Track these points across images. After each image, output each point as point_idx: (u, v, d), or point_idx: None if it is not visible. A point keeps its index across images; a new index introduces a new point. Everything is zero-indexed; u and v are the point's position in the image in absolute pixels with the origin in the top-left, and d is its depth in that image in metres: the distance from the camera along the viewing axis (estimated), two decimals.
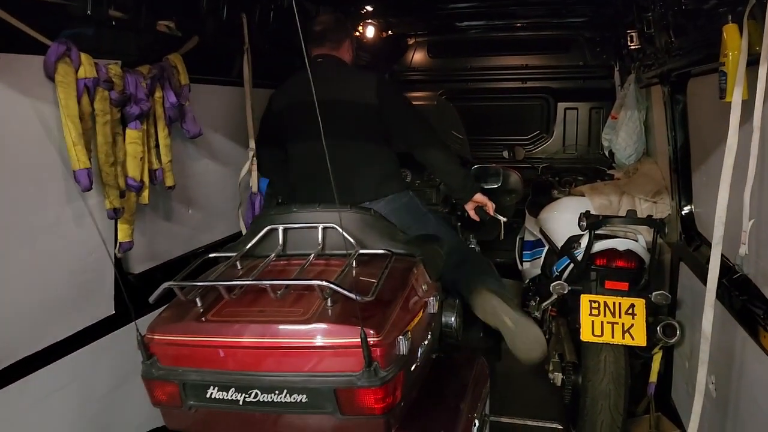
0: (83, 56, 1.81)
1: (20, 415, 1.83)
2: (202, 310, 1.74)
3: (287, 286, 1.73)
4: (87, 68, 1.82)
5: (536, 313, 3.54)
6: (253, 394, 1.64)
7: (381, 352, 1.57)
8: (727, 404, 2.41)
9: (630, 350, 2.92)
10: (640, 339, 2.78)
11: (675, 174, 3.28)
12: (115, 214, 2.02)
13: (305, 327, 1.61)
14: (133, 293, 2.29)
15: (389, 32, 4.83)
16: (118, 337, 2.23)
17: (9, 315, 1.77)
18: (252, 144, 2.93)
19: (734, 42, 1.80)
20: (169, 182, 2.28)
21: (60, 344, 1.97)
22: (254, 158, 2.94)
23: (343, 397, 1.59)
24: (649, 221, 2.85)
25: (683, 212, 3.16)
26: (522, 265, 4.27)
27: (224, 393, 1.66)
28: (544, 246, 3.95)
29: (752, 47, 1.78)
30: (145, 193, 2.15)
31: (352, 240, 1.95)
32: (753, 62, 1.83)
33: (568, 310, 3.34)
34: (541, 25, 4.71)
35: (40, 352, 1.88)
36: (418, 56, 5.32)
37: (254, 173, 2.96)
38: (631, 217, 2.90)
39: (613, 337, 2.79)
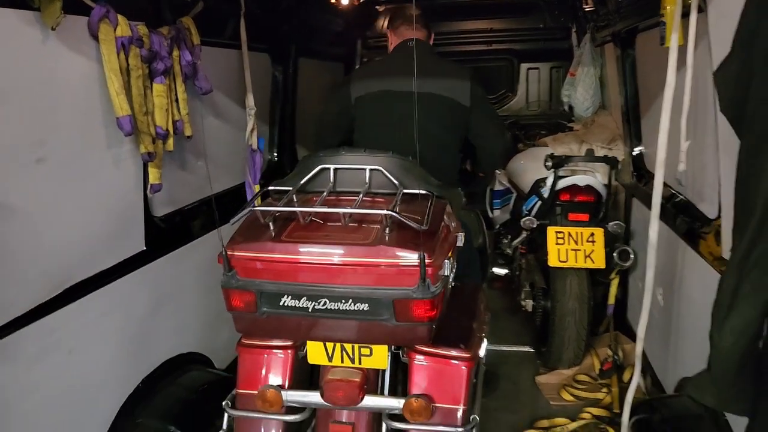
0: (120, 17, 2.08)
1: (81, 330, 2.12)
2: (275, 232, 2.01)
3: (352, 214, 2.02)
4: (123, 28, 2.09)
5: (508, 251, 3.96)
6: (322, 303, 1.92)
7: (432, 272, 1.86)
8: (671, 310, 2.84)
9: (591, 274, 3.35)
10: (599, 262, 3.21)
11: (627, 121, 3.70)
12: (149, 158, 2.30)
13: (371, 248, 1.91)
14: (158, 233, 2.60)
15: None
16: (150, 270, 2.52)
17: (66, 244, 2.05)
18: (251, 103, 3.19)
19: None
20: (187, 132, 2.56)
21: (104, 273, 2.25)
22: (254, 117, 3.21)
23: (399, 306, 1.89)
24: (604, 158, 3.26)
25: (634, 153, 3.59)
26: (492, 212, 4.68)
27: (296, 301, 1.93)
28: (513, 193, 4.36)
29: (685, 1, 2.15)
30: (170, 141, 2.43)
31: (395, 181, 2.22)
32: (686, 14, 2.21)
33: (536, 246, 3.75)
34: None
35: (90, 278, 2.17)
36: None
37: (254, 132, 3.24)
38: (590, 156, 3.30)
39: (576, 261, 3.21)
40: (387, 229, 1.96)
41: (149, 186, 2.41)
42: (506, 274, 4.13)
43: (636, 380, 2.41)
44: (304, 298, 1.93)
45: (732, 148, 1.48)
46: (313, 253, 1.95)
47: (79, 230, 2.12)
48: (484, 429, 2.41)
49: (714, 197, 2.29)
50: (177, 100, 2.49)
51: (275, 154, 3.96)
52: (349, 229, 2.05)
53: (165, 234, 2.66)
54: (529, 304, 3.65)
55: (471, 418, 2.15)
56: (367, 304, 1.90)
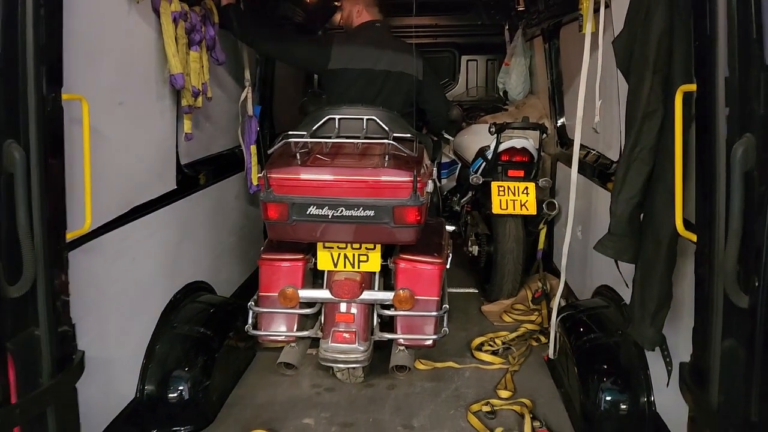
0: None
1: (138, 244, 2.66)
2: (300, 159, 2.67)
3: (360, 145, 2.76)
4: (175, 4, 2.67)
5: (457, 208, 4.72)
6: (339, 210, 2.60)
7: (420, 186, 2.60)
8: (588, 241, 3.64)
9: (525, 222, 4.13)
10: (532, 209, 3.99)
11: (552, 100, 4.53)
12: (189, 110, 2.88)
13: (376, 170, 2.64)
14: (182, 177, 3.15)
15: None
16: (178, 206, 3.08)
17: (132, 172, 2.60)
18: (248, 75, 3.77)
19: None
20: (209, 94, 3.13)
21: (151, 202, 2.78)
22: (249, 88, 3.78)
23: (397, 212, 2.61)
24: (536, 125, 4.07)
25: (558, 124, 4.42)
26: (440, 181, 5.42)
27: (320, 210, 2.61)
28: (458, 164, 5.12)
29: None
30: (200, 99, 3.00)
31: (386, 128, 2.93)
32: (597, 9, 3.00)
33: (480, 204, 4.52)
34: None
35: (144, 204, 2.71)
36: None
37: (249, 100, 3.81)
38: (525, 122, 4.09)
39: (514, 209, 3.98)
40: (386, 157, 2.68)
41: (184, 134, 2.98)
42: (454, 230, 4.88)
43: (562, 282, 3.20)
44: (326, 207, 2.63)
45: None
46: (332, 174, 2.68)
47: (139, 163, 2.68)
48: (441, 343, 3.16)
49: (617, 145, 3.09)
50: (202, 67, 3.07)
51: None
52: (357, 158, 2.79)
53: (188, 178, 3.22)
54: (475, 249, 4.40)
55: (443, 306, 2.92)
56: (373, 211, 2.62)
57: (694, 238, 1.81)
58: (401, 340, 2.92)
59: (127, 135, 2.54)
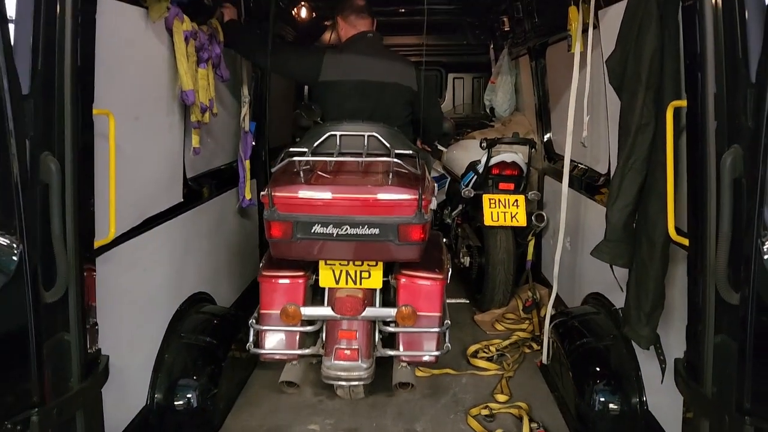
0: (185, 17, 2.77)
1: (150, 255, 2.74)
2: (304, 177, 2.68)
3: (363, 163, 2.74)
4: (187, 24, 2.78)
5: (448, 221, 4.85)
6: (344, 229, 2.60)
7: (425, 204, 2.60)
8: (576, 251, 3.80)
9: (515, 233, 4.28)
10: (522, 221, 4.14)
11: (539, 116, 4.71)
12: (198, 125, 2.98)
13: (381, 188, 2.66)
14: (188, 190, 3.24)
15: (313, 14, 5.87)
16: (184, 218, 3.16)
17: (145, 184, 2.68)
18: (246, 92, 3.88)
19: (574, 15, 3.14)
20: (215, 110, 3.23)
21: (161, 214, 2.86)
22: (248, 104, 3.89)
23: (402, 230, 2.61)
24: (525, 140, 4.24)
25: (545, 140, 4.60)
26: None
27: (324, 228, 2.60)
28: (447, 178, 5.27)
29: (585, 18, 3.11)
30: (207, 114, 3.10)
31: (387, 144, 2.95)
32: (585, 30, 3.18)
33: (470, 217, 4.67)
34: (434, 12, 5.97)
35: (155, 216, 2.79)
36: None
37: (247, 116, 3.91)
38: (515, 138, 4.26)
39: (505, 221, 4.13)
40: (390, 175, 2.73)
41: (192, 149, 3.07)
42: (445, 242, 5.01)
43: (555, 291, 3.34)
44: (331, 225, 2.63)
45: (616, 116, 2.40)
46: (337, 192, 2.68)
47: (152, 175, 2.77)
48: None
49: (605, 158, 3.26)
50: (209, 84, 3.18)
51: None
52: (361, 176, 2.83)
53: (192, 191, 3.31)
54: (466, 260, 4.54)
55: (445, 322, 2.93)
56: (377, 229, 2.63)
57: (686, 242, 1.96)
58: (404, 357, 2.93)
59: (141, 148, 2.63)
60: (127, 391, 2.58)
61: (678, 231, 2.04)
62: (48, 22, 1.75)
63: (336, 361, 2.81)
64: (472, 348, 3.76)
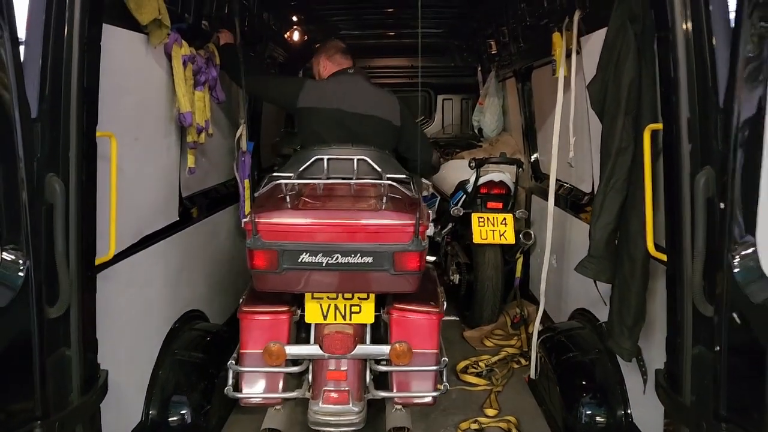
0: (183, 42, 2.86)
1: (146, 273, 2.81)
2: (291, 202, 2.50)
3: (354, 186, 2.60)
4: (185, 49, 2.87)
5: (438, 239, 4.94)
6: (335, 258, 2.36)
7: (422, 230, 2.46)
8: (562, 268, 3.89)
9: (503, 251, 4.37)
10: (510, 239, 4.24)
11: (526, 137, 4.84)
12: (194, 145, 3.06)
13: (374, 213, 2.48)
14: (183, 209, 3.31)
15: (305, 38, 6.00)
16: (179, 237, 3.22)
17: (143, 203, 2.75)
18: (243, 113, 3.96)
19: (558, 42, 3.27)
20: (210, 131, 3.31)
21: (157, 232, 2.93)
22: (244, 125, 3.97)
23: (397, 258, 2.39)
24: (512, 160, 4.36)
25: (532, 160, 4.72)
26: None
27: (313, 257, 2.36)
28: (437, 197, 5.37)
29: (568, 44, 3.24)
30: (203, 135, 3.18)
31: (378, 168, 2.83)
32: (569, 55, 3.31)
33: (459, 235, 4.76)
34: (424, 35, 6.13)
35: (151, 234, 2.86)
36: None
37: (244, 137, 3.99)
38: (503, 158, 4.37)
39: (493, 239, 4.22)
40: (384, 199, 2.56)
41: (187, 169, 3.15)
42: (435, 260, 5.09)
43: (542, 308, 3.43)
44: (320, 254, 2.39)
45: (598, 137, 2.50)
46: (326, 218, 2.49)
47: (149, 194, 2.84)
48: None
49: (589, 178, 3.37)
50: (205, 105, 3.26)
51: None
52: (352, 200, 2.66)
53: (187, 210, 3.38)
54: (456, 278, 4.62)
55: (442, 360, 2.69)
56: (371, 257, 2.39)
57: (664, 258, 2.05)
58: (398, 399, 2.69)
59: (140, 168, 2.70)
60: (123, 407, 2.62)
61: (657, 247, 2.14)
62: (56, 49, 1.84)
63: (324, 405, 2.56)
64: (462, 364, 3.83)
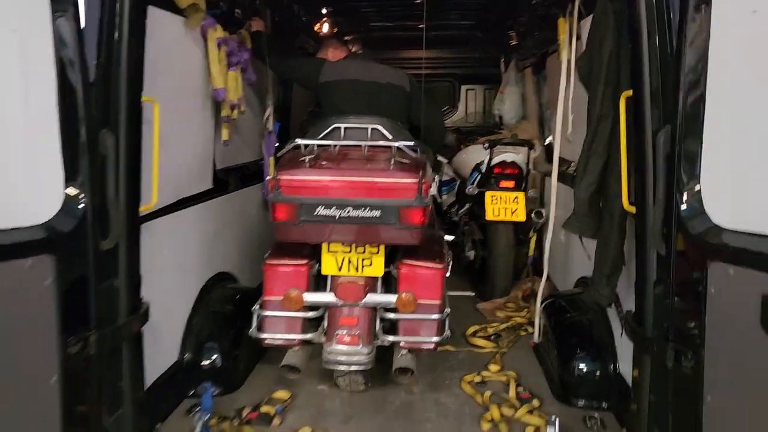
0: (218, 25, 3.22)
1: (183, 231, 3.16)
2: (309, 162, 2.86)
3: (368, 148, 2.97)
4: (219, 32, 3.23)
5: (455, 218, 5.22)
6: (347, 211, 2.69)
7: (425, 188, 2.78)
8: (569, 245, 4.12)
9: (516, 229, 4.62)
10: (521, 217, 4.49)
11: (541, 123, 5.08)
12: (228, 119, 3.42)
13: (383, 172, 2.80)
14: (216, 179, 3.66)
15: (335, 30, 6.33)
16: (213, 204, 3.58)
17: (182, 168, 3.11)
18: (271, 96, 4.32)
19: (562, 27, 3.53)
20: (242, 108, 3.66)
21: (193, 196, 3.29)
22: (272, 106, 4.32)
23: (402, 213, 2.71)
24: (524, 141, 4.61)
25: (546, 143, 4.96)
26: (441, 197, 5.95)
27: (328, 210, 2.72)
28: (457, 181, 5.65)
29: (571, 29, 3.49)
30: (236, 111, 3.53)
31: (389, 135, 3.20)
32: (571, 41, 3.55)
33: (476, 215, 5.03)
34: (448, 27, 6.40)
35: (188, 197, 3.21)
36: (354, 48, 6.87)
37: (271, 117, 4.34)
38: (513, 139, 4.63)
39: (505, 216, 4.48)
40: (392, 160, 2.92)
41: (222, 141, 3.51)
42: (453, 239, 5.37)
43: (545, 274, 3.68)
44: (334, 207, 2.72)
45: None
46: (340, 175, 2.84)
47: (187, 160, 3.20)
48: None
49: None
50: (237, 85, 3.61)
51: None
52: (364, 162, 3.01)
53: (220, 181, 3.73)
54: (471, 254, 4.90)
55: (444, 310, 3.00)
56: (379, 211, 2.73)
57: (634, 210, 2.31)
58: (404, 343, 2.98)
59: (179, 136, 3.06)
60: (162, 346, 2.98)
61: (631, 203, 2.39)
62: (109, 26, 2.20)
63: (337, 346, 2.85)
64: (471, 329, 4.10)
